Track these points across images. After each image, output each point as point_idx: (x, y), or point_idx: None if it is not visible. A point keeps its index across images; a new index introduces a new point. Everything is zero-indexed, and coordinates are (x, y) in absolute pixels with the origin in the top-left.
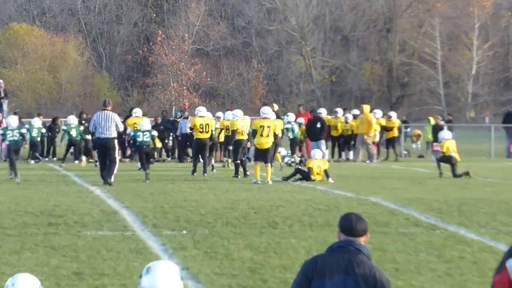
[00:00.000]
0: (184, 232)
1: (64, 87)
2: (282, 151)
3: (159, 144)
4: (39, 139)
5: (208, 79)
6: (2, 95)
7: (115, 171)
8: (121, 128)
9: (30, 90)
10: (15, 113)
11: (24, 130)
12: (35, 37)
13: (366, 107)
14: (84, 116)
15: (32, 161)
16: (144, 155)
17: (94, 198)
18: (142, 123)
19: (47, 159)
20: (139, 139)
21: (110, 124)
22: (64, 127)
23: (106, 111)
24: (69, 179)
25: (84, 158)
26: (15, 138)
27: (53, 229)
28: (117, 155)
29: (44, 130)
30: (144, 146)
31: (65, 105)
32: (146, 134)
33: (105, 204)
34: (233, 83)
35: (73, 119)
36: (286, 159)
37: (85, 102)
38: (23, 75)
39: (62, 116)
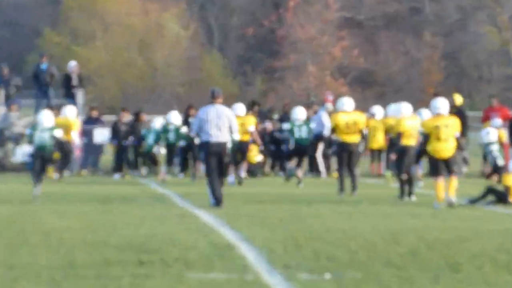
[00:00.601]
0: (327, 275)
1: (161, 72)
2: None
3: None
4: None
5: (361, 60)
6: (76, 82)
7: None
8: (236, 129)
9: (114, 75)
10: (92, 108)
11: (59, 133)
12: (121, 4)
13: None
14: (193, 111)
15: (117, 175)
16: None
17: (202, 226)
18: None
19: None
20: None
21: (222, 123)
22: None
23: (215, 104)
24: (167, 199)
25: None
26: (44, 141)
27: (144, 269)
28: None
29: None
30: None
31: (162, 96)
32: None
33: (216, 234)
34: (397, 65)
35: (174, 117)
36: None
37: (190, 92)
38: (104, 55)
39: (157, 112)
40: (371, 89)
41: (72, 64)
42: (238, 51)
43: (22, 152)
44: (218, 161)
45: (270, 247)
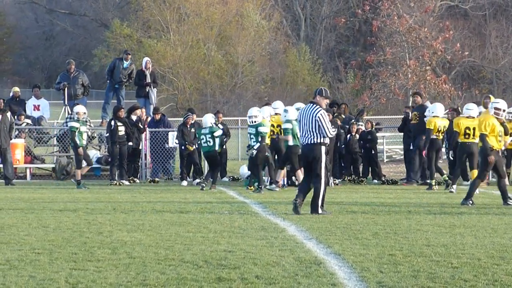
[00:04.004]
0: None
1: (242, 69)
2: None
3: None
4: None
5: (466, 54)
6: (149, 80)
7: (321, 196)
8: (329, 132)
9: (190, 73)
10: (192, 111)
11: (219, 132)
12: None
13: None
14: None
15: (197, 181)
16: None
17: (286, 240)
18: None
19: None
20: None
21: (310, 125)
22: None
23: (313, 104)
24: (247, 209)
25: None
26: (207, 143)
27: (223, 287)
28: (324, 170)
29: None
30: None
31: (243, 96)
32: None
33: (302, 249)
34: (506, 60)
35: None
36: None
37: (273, 92)
38: (179, 50)
39: (238, 114)
40: (477, 86)
41: (145, 60)
42: (328, 44)
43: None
44: (307, 166)
45: (362, 264)
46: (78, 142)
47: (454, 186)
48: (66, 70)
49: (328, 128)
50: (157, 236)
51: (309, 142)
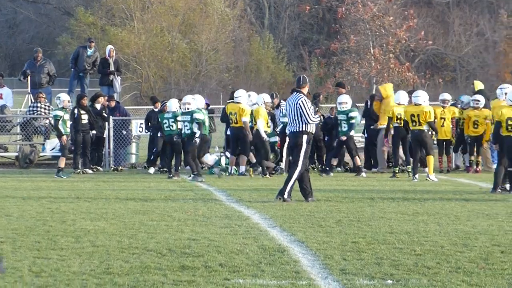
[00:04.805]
0: (390, 282)
1: (206, 57)
2: None
3: None
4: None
5: (430, 42)
6: (113, 68)
7: (292, 182)
8: (310, 118)
9: (153, 61)
10: (155, 99)
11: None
12: None
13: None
14: (276, 102)
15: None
16: None
17: (250, 228)
18: None
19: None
20: None
21: (294, 113)
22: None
23: (296, 93)
24: (212, 198)
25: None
26: (172, 128)
27: (187, 276)
28: (302, 159)
29: None
30: None
31: (207, 84)
32: None
33: (266, 236)
34: (469, 47)
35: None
36: None
37: (238, 80)
38: (143, 38)
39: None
40: (440, 74)
41: (109, 48)
42: (292, 32)
43: (51, 146)
44: (292, 154)
45: (326, 251)
46: (62, 130)
47: (417, 175)
48: (33, 58)
49: (308, 114)
50: (120, 225)
51: (293, 130)
